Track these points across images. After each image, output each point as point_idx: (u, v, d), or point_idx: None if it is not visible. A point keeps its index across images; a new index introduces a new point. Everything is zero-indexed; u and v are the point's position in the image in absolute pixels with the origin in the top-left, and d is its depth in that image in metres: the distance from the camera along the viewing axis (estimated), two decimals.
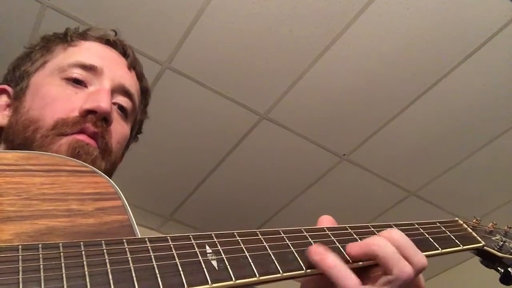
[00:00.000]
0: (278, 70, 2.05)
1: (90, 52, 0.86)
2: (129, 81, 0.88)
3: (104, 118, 0.78)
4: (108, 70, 0.83)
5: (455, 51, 1.96)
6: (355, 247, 0.56)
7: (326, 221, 0.63)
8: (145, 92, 0.95)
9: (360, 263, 0.56)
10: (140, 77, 0.93)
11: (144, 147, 2.35)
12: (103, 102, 0.77)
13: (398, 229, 0.59)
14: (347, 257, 0.56)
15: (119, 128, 0.83)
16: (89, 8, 1.84)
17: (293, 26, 1.90)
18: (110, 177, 0.79)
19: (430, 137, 2.29)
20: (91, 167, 0.60)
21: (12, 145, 0.77)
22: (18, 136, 0.77)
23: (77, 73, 0.81)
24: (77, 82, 0.80)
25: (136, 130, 0.96)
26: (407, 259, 0.55)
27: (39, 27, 1.89)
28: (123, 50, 0.91)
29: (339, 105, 2.17)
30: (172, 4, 1.84)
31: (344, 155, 2.40)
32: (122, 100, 0.85)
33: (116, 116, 0.83)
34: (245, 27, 1.90)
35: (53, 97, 0.78)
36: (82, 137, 0.75)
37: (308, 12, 1.85)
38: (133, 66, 0.92)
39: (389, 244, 0.55)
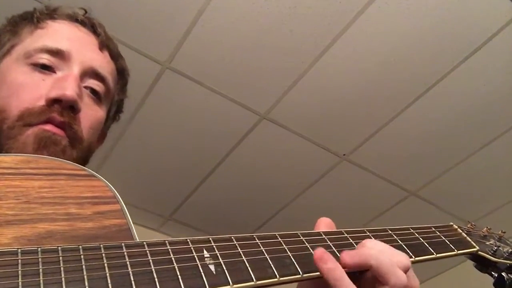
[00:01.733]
0: (278, 70, 2.05)
1: (57, 35, 0.82)
2: (100, 62, 0.84)
3: (71, 107, 0.75)
4: (76, 53, 0.80)
5: (455, 51, 1.96)
6: (350, 257, 0.55)
7: (324, 223, 0.63)
8: (121, 71, 0.92)
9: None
10: (114, 56, 0.89)
11: (144, 147, 2.35)
12: (69, 90, 0.74)
13: (393, 233, 0.60)
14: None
15: (91, 113, 0.81)
16: (89, 8, 1.84)
17: (293, 26, 1.90)
18: (85, 164, 0.77)
19: (430, 137, 2.29)
20: (90, 170, 0.60)
21: None
22: None
23: (44, 58, 0.78)
24: (45, 68, 0.78)
25: (115, 110, 0.93)
26: (386, 279, 0.55)
27: None
28: (93, 29, 0.86)
29: (339, 105, 2.17)
30: (172, 4, 1.84)
31: (344, 155, 2.40)
32: (94, 83, 0.82)
33: (87, 101, 0.80)
34: (245, 27, 1.91)
35: (19, 85, 0.76)
36: (49, 127, 0.73)
37: (308, 12, 1.85)
38: (106, 45, 0.87)
39: (383, 254, 0.55)
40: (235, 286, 0.49)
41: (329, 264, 0.53)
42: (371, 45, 1.95)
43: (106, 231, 0.53)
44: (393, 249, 0.57)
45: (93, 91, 0.82)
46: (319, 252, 0.54)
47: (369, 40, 1.93)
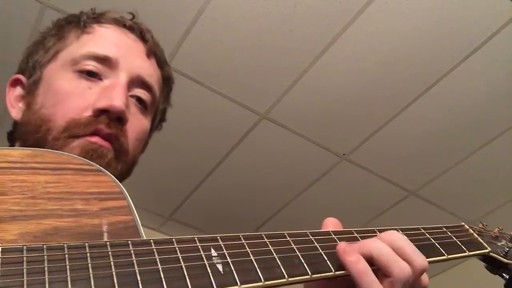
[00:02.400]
0: (278, 70, 2.04)
1: (104, 40, 0.79)
2: (148, 70, 0.81)
3: (118, 118, 0.73)
4: (124, 61, 0.77)
5: (455, 51, 1.96)
6: (352, 249, 0.55)
7: (331, 223, 0.62)
8: (167, 79, 0.88)
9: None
10: (161, 63, 0.86)
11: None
12: (117, 101, 0.72)
13: (403, 234, 0.59)
14: None
15: (137, 124, 0.78)
16: (89, 8, 1.83)
17: (293, 26, 1.90)
18: (127, 176, 0.77)
19: (430, 137, 2.29)
20: (97, 165, 0.59)
21: (25, 145, 0.73)
22: (30, 136, 0.73)
23: (91, 65, 0.75)
24: (91, 75, 0.75)
25: (158, 119, 0.90)
26: (406, 260, 0.54)
27: (39, 27, 1.89)
28: (141, 35, 0.84)
29: (339, 105, 2.17)
30: (172, 4, 1.83)
31: (344, 155, 2.39)
32: (140, 92, 0.79)
33: (133, 110, 0.78)
34: (245, 27, 1.90)
35: (65, 94, 0.73)
36: (95, 139, 0.70)
37: (308, 12, 1.85)
38: (153, 52, 0.84)
39: (385, 245, 0.55)
40: (243, 286, 0.48)
41: (352, 256, 0.53)
42: (371, 45, 1.95)
43: (113, 227, 0.52)
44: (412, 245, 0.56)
45: (139, 100, 0.79)
46: (343, 245, 0.54)
47: (369, 40, 1.93)
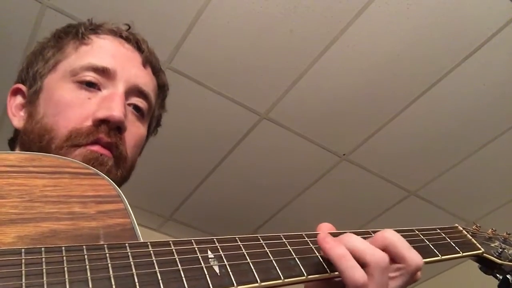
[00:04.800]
0: (278, 70, 2.05)
1: (102, 52, 0.82)
2: (144, 79, 0.85)
3: (117, 127, 0.76)
4: (121, 71, 0.81)
5: (455, 51, 1.96)
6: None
7: (326, 228, 0.63)
8: (162, 86, 0.92)
9: None
10: (156, 72, 0.90)
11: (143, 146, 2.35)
12: (116, 111, 0.75)
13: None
14: None
15: (135, 131, 0.82)
16: (89, 8, 1.84)
17: (293, 26, 1.90)
18: (126, 181, 0.79)
19: (430, 137, 2.29)
20: (94, 169, 0.60)
21: None
22: (34, 145, 0.76)
23: (90, 76, 0.78)
24: (90, 85, 0.78)
25: (154, 125, 0.94)
26: (401, 257, 0.56)
27: (39, 27, 1.89)
28: (137, 45, 0.87)
29: (339, 105, 2.17)
30: (172, 4, 1.83)
31: (344, 155, 2.40)
32: (137, 100, 0.83)
33: (131, 118, 0.81)
34: (245, 27, 1.90)
35: (66, 104, 0.76)
36: (96, 148, 0.74)
37: (308, 12, 1.85)
38: (149, 61, 0.88)
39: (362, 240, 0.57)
40: (239, 287, 0.49)
41: (331, 243, 0.55)
42: (371, 45, 1.95)
43: (110, 230, 0.53)
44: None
45: (136, 108, 0.83)
46: (323, 234, 0.56)
47: (369, 40, 1.93)
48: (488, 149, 2.31)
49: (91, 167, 0.60)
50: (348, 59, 2.00)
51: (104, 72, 0.79)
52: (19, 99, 0.84)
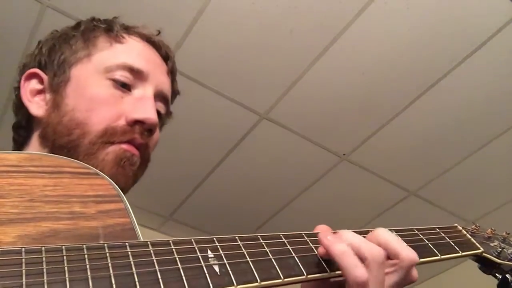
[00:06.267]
0: (278, 70, 2.05)
1: (137, 53, 0.83)
2: (168, 87, 0.87)
3: (150, 129, 0.78)
4: (152, 76, 0.82)
5: (455, 51, 1.96)
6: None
7: (322, 230, 0.63)
8: (174, 94, 0.94)
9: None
10: (174, 80, 0.92)
11: None
12: (152, 114, 0.77)
13: (397, 234, 0.60)
14: None
15: (156, 136, 0.83)
16: (89, 8, 1.83)
17: (293, 26, 1.90)
18: (137, 181, 0.80)
19: (430, 137, 2.29)
20: (94, 169, 0.60)
21: (52, 145, 0.75)
22: (61, 137, 0.75)
23: (125, 76, 0.79)
24: (123, 85, 0.79)
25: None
26: (395, 253, 0.57)
27: (39, 27, 1.89)
28: (166, 54, 0.89)
29: (339, 105, 2.17)
30: (172, 4, 1.83)
31: (344, 155, 2.40)
32: (160, 106, 0.84)
33: None
34: (245, 27, 1.90)
35: (101, 101, 0.77)
36: (129, 147, 0.75)
37: (308, 12, 1.85)
38: (172, 71, 0.90)
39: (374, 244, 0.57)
40: (239, 287, 0.49)
41: (331, 239, 0.55)
42: (371, 45, 1.95)
43: (110, 230, 0.53)
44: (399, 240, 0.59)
45: (158, 113, 0.83)
46: (323, 232, 0.57)
47: (369, 40, 1.93)
48: (488, 149, 2.31)
49: (91, 166, 0.60)
50: (348, 59, 2.00)
51: (138, 73, 0.80)
52: (34, 84, 0.82)
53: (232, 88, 2.12)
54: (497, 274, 0.72)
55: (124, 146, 0.75)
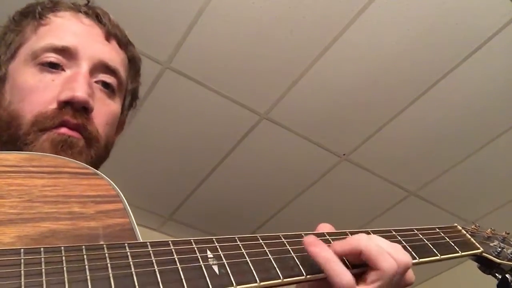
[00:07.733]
0: (278, 70, 2.04)
1: (62, 30, 0.79)
2: (109, 54, 0.81)
3: (83, 107, 0.74)
4: (83, 48, 0.78)
5: (455, 51, 1.96)
6: (339, 243, 0.56)
7: (325, 228, 0.63)
8: (132, 59, 0.89)
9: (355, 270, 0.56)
10: (123, 44, 0.86)
11: (144, 147, 2.35)
12: (79, 91, 0.73)
13: (397, 234, 0.60)
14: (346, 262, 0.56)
15: (105, 109, 0.79)
16: None
17: (293, 26, 1.90)
18: (105, 159, 0.78)
19: (430, 137, 2.29)
20: (93, 169, 0.60)
21: (0, 142, 0.75)
22: (4, 133, 0.74)
23: (52, 56, 0.76)
24: (53, 66, 0.76)
25: (130, 99, 0.91)
26: (375, 265, 0.55)
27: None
28: (97, 19, 0.83)
29: (339, 105, 2.17)
30: (172, 4, 1.83)
31: (344, 155, 2.40)
32: (105, 76, 0.80)
33: (99, 96, 0.79)
34: (245, 27, 1.90)
35: (30, 89, 0.74)
36: (63, 130, 0.72)
37: (308, 12, 1.85)
38: (112, 34, 0.84)
39: (373, 240, 0.56)
40: (238, 287, 0.49)
41: (318, 246, 0.54)
42: (371, 45, 1.95)
43: (109, 230, 0.53)
44: (394, 244, 0.58)
45: (105, 84, 0.80)
46: (309, 238, 0.55)
47: (368, 40, 1.93)
48: (488, 149, 2.31)
49: (90, 167, 0.60)
50: (348, 59, 2.00)
51: (65, 51, 0.77)
52: None
53: (232, 88, 2.12)
54: (496, 274, 0.72)
55: (58, 130, 0.72)
